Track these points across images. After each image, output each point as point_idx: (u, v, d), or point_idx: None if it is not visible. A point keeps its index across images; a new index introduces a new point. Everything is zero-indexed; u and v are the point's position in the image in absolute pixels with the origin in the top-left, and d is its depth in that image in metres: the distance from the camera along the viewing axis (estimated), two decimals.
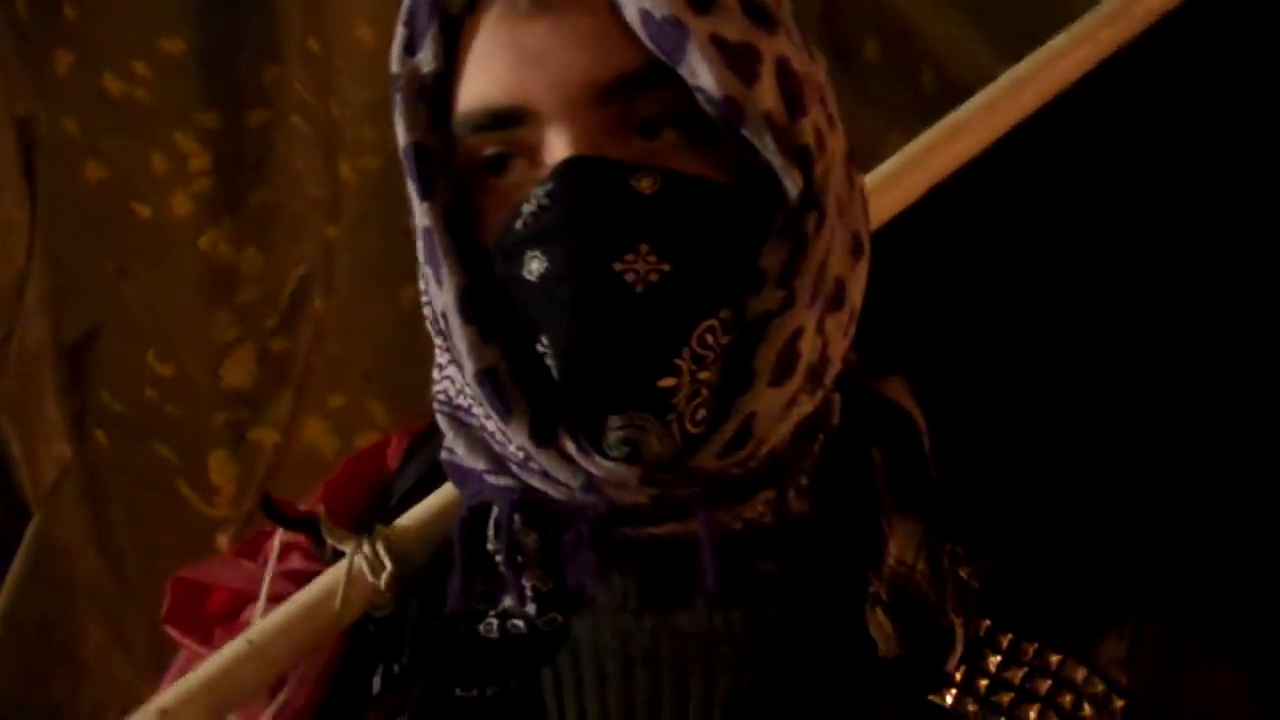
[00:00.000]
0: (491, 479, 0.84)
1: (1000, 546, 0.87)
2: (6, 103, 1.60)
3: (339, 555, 0.91)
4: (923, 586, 0.83)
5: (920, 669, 0.81)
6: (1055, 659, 0.84)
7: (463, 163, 0.82)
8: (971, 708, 0.82)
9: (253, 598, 0.94)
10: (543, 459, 0.80)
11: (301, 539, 0.94)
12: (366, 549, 0.90)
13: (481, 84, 0.80)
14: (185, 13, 1.68)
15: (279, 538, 0.94)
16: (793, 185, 0.79)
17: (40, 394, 1.62)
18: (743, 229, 0.79)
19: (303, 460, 1.68)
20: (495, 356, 0.80)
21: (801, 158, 0.79)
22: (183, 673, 0.99)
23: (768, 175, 0.80)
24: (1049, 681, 0.83)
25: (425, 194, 0.81)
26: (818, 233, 0.80)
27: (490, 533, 0.84)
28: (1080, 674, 0.84)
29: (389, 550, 0.90)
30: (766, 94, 0.78)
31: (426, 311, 0.88)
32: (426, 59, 0.82)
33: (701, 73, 0.77)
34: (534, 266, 0.78)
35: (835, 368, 0.83)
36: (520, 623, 0.83)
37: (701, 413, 0.78)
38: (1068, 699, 0.83)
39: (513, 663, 0.84)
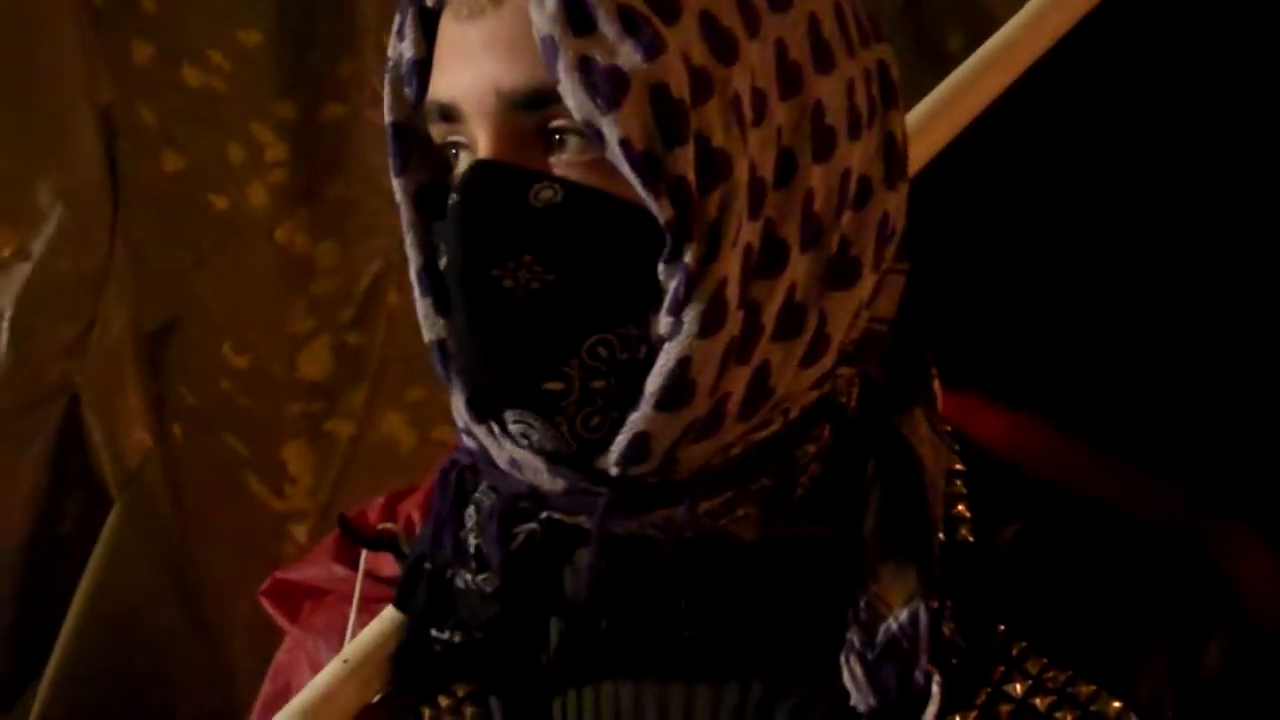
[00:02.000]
0: (463, 438, 0.84)
1: (1031, 543, 0.84)
2: (89, 93, 1.61)
3: None
4: (900, 638, 0.81)
5: None
6: (1087, 690, 0.81)
7: (435, 147, 0.83)
8: None
9: (346, 597, 0.95)
10: (478, 432, 0.81)
11: None
12: None
13: (436, 79, 0.81)
14: (263, 5, 1.66)
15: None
16: (661, 215, 0.77)
17: (122, 383, 1.63)
18: (645, 249, 0.78)
19: (379, 452, 1.69)
20: (444, 330, 0.82)
21: (675, 188, 0.77)
22: (281, 668, 1.01)
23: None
24: (1076, 713, 0.80)
25: (398, 172, 0.83)
26: (707, 265, 0.77)
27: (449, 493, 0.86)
28: (1114, 709, 0.81)
29: None
30: (628, 121, 0.76)
31: None
32: (407, 46, 0.83)
33: (567, 94, 0.76)
34: (443, 261, 0.80)
35: (793, 399, 0.81)
36: (470, 578, 0.84)
37: (595, 420, 0.78)
38: None
39: (472, 616, 0.85)
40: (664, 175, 0.76)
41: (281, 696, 1.01)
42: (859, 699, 0.80)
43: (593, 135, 0.76)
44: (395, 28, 0.84)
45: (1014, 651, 0.82)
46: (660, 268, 0.77)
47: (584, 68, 0.76)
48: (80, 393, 1.62)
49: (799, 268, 0.80)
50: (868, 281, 0.83)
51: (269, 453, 1.67)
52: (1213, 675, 0.82)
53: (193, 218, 1.66)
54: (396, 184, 0.83)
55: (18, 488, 1.60)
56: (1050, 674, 0.81)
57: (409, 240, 0.83)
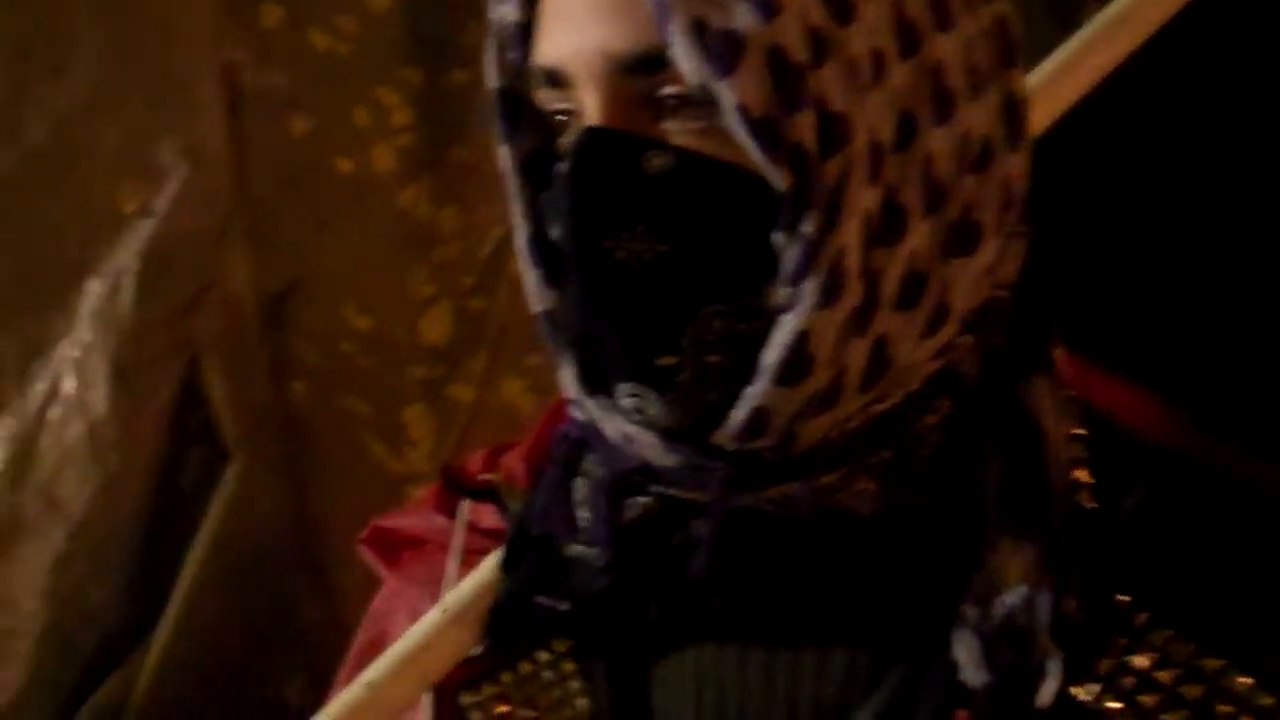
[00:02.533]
0: (574, 411, 0.84)
1: (1154, 496, 0.82)
2: (214, 54, 1.62)
3: None
4: (1018, 614, 0.78)
5: (1009, 700, 0.77)
6: (1214, 664, 0.77)
7: (547, 114, 0.82)
8: (1113, 705, 0.77)
9: (445, 547, 0.96)
10: (589, 405, 0.81)
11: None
12: None
13: (541, 42, 0.80)
14: None
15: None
16: (779, 185, 0.74)
17: (242, 341, 1.65)
18: (762, 219, 0.75)
19: (499, 417, 1.68)
20: (555, 301, 0.81)
21: (794, 156, 0.74)
22: (377, 615, 1.03)
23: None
24: (1203, 688, 0.77)
25: (504, 139, 0.83)
26: (826, 234, 0.75)
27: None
28: (1243, 684, 0.77)
29: None
30: (745, 86, 0.74)
31: None
32: (509, 9, 0.82)
33: (680, 58, 0.74)
34: (554, 231, 0.79)
35: (913, 371, 0.79)
36: (581, 549, 0.84)
37: (711, 395, 0.77)
38: (1226, 710, 0.77)
39: (588, 586, 0.84)
40: (782, 142, 0.74)
41: (376, 644, 1.01)
42: (971, 674, 0.78)
43: (706, 101, 0.74)
44: None
45: (1137, 622, 0.79)
46: (777, 237, 0.75)
47: (698, 30, 0.74)
48: (202, 349, 1.64)
49: (919, 234, 0.78)
50: (990, 247, 0.80)
51: (389, 415, 1.68)
52: None
53: (318, 180, 1.66)
54: (502, 151, 0.83)
55: (140, 441, 1.62)
56: (1176, 646, 0.78)
57: (516, 210, 0.82)
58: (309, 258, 1.67)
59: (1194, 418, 0.91)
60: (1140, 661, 0.78)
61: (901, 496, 0.80)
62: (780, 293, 0.76)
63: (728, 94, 0.74)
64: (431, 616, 0.91)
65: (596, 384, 0.80)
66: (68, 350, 1.61)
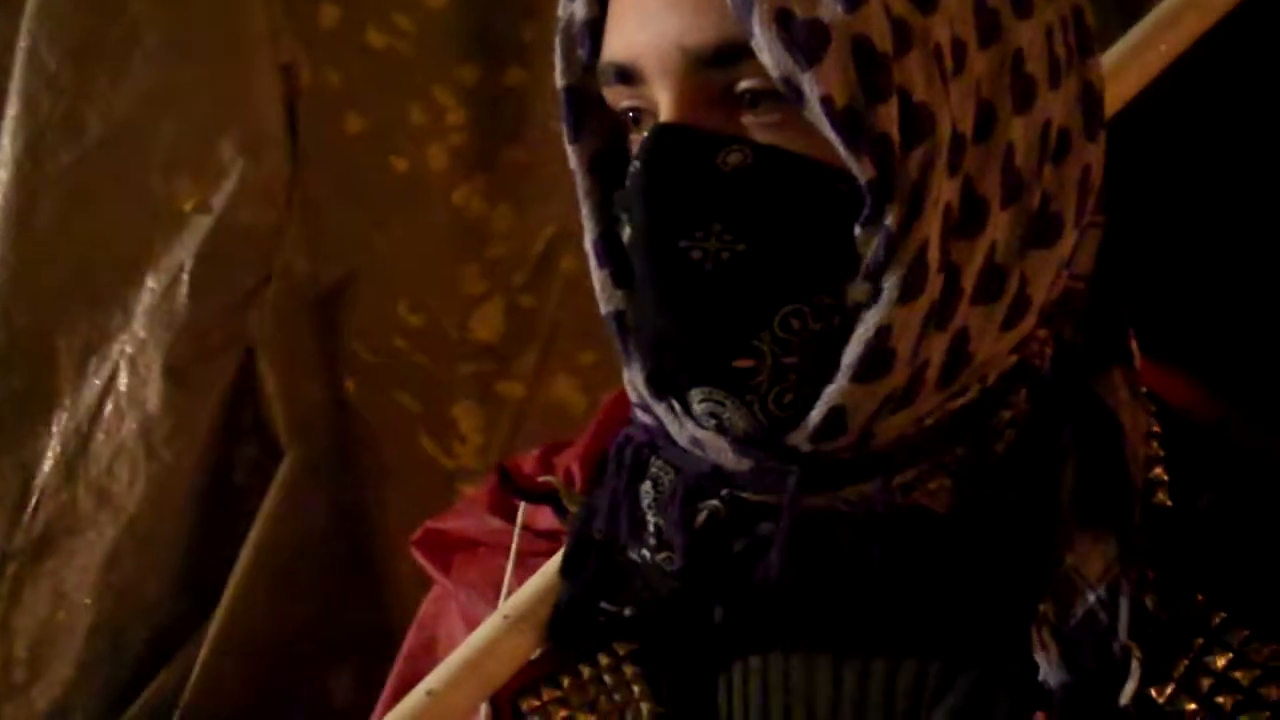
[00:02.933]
0: (639, 414, 0.83)
1: (1226, 502, 0.80)
2: (272, 53, 1.62)
3: None
4: (1099, 611, 0.77)
5: (1090, 700, 0.75)
6: None
7: (613, 112, 0.81)
8: (1189, 706, 0.76)
9: (500, 550, 0.94)
10: (657, 409, 0.79)
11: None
12: None
13: (612, 38, 0.79)
14: None
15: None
16: (862, 175, 0.74)
17: (297, 337, 1.65)
18: (841, 212, 0.75)
19: (550, 414, 1.68)
20: (623, 302, 0.80)
21: (878, 147, 0.73)
22: (427, 620, 1.02)
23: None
24: None
25: (573, 138, 0.82)
26: (908, 226, 0.74)
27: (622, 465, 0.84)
28: None
29: None
30: (829, 77, 0.73)
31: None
32: (580, 6, 0.81)
33: (763, 49, 0.73)
34: (626, 231, 0.78)
35: (991, 365, 0.78)
36: (648, 554, 0.82)
37: (788, 397, 0.75)
38: None
39: (656, 591, 0.83)
40: (866, 133, 0.73)
41: (427, 649, 1.00)
42: (1050, 674, 0.76)
43: (788, 93, 0.73)
44: None
45: (1214, 622, 0.77)
46: (857, 231, 0.74)
47: (782, 20, 0.73)
48: (256, 345, 1.63)
49: (999, 226, 0.77)
50: (1069, 238, 0.79)
51: (440, 411, 1.67)
52: None
53: (372, 178, 1.66)
54: (571, 150, 0.82)
55: (194, 435, 1.62)
56: (1253, 646, 0.77)
57: (585, 210, 0.82)
58: (362, 255, 1.66)
59: (1263, 414, 0.89)
60: (1217, 662, 0.76)
61: (977, 493, 0.78)
62: (859, 288, 0.75)
63: (812, 85, 0.73)
64: (493, 622, 0.89)
65: (665, 387, 0.79)
66: (123, 346, 1.61)
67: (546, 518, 0.93)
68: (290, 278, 1.64)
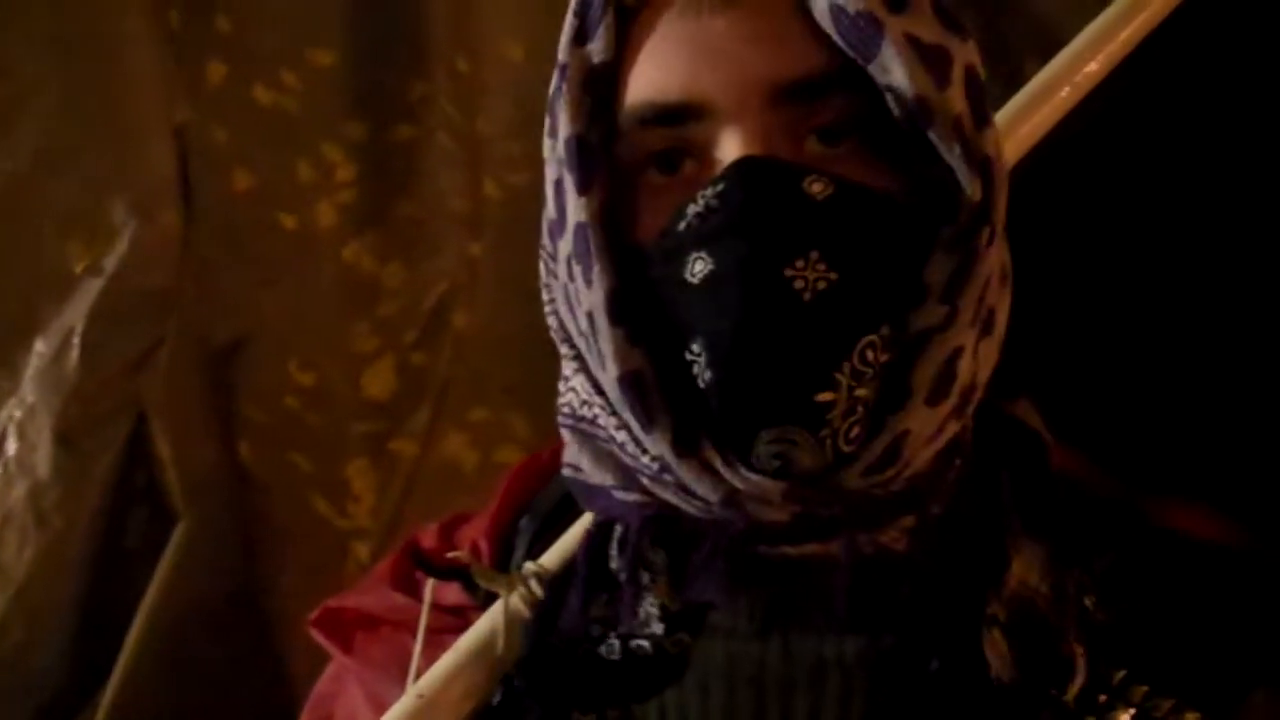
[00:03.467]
0: (619, 494, 0.81)
1: (1128, 566, 0.83)
2: (165, 112, 1.60)
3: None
4: (1044, 610, 0.79)
5: (1038, 697, 0.78)
6: (1192, 717, 0.79)
7: (625, 158, 0.79)
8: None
9: (404, 627, 0.92)
10: (682, 470, 0.76)
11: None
12: (521, 589, 0.87)
13: (654, 77, 0.78)
14: (336, 25, 1.64)
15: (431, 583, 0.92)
16: (973, 195, 0.76)
17: (189, 400, 1.62)
18: (910, 241, 0.76)
19: (442, 472, 1.66)
20: (641, 360, 0.77)
21: (984, 168, 0.76)
22: (323, 698, 0.98)
23: (937, 188, 0.76)
24: None
25: (583, 188, 0.79)
26: (988, 248, 0.77)
27: (614, 550, 0.82)
28: None
29: (542, 585, 0.87)
30: (957, 99, 0.76)
31: (552, 321, 0.85)
32: (598, 49, 0.79)
33: (895, 70, 0.74)
34: (698, 268, 0.75)
35: (980, 395, 0.80)
36: (645, 643, 0.81)
37: (856, 430, 0.75)
38: None
39: (634, 685, 0.81)
40: (976, 155, 0.76)
41: None
42: (1000, 670, 0.78)
43: (851, 128, 0.75)
44: (572, 31, 0.80)
45: (1115, 680, 0.80)
46: (936, 256, 0.76)
47: (913, 44, 0.74)
48: (148, 408, 1.60)
49: (995, 257, 0.80)
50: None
51: (333, 471, 1.65)
52: None
53: (261, 236, 1.64)
54: (578, 203, 0.79)
55: (85, 501, 1.58)
56: (1153, 703, 0.79)
57: (595, 266, 0.78)
58: (253, 314, 1.64)
59: (1142, 477, 0.92)
60: (1121, 718, 0.79)
61: (935, 533, 0.80)
62: (929, 314, 0.76)
63: (944, 107, 0.75)
64: (407, 702, 0.87)
65: (692, 447, 0.76)
66: (11, 411, 1.58)
67: (454, 593, 0.92)
68: (183, 340, 1.61)
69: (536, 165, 1.69)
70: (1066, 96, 1.01)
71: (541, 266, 0.86)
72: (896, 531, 0.78)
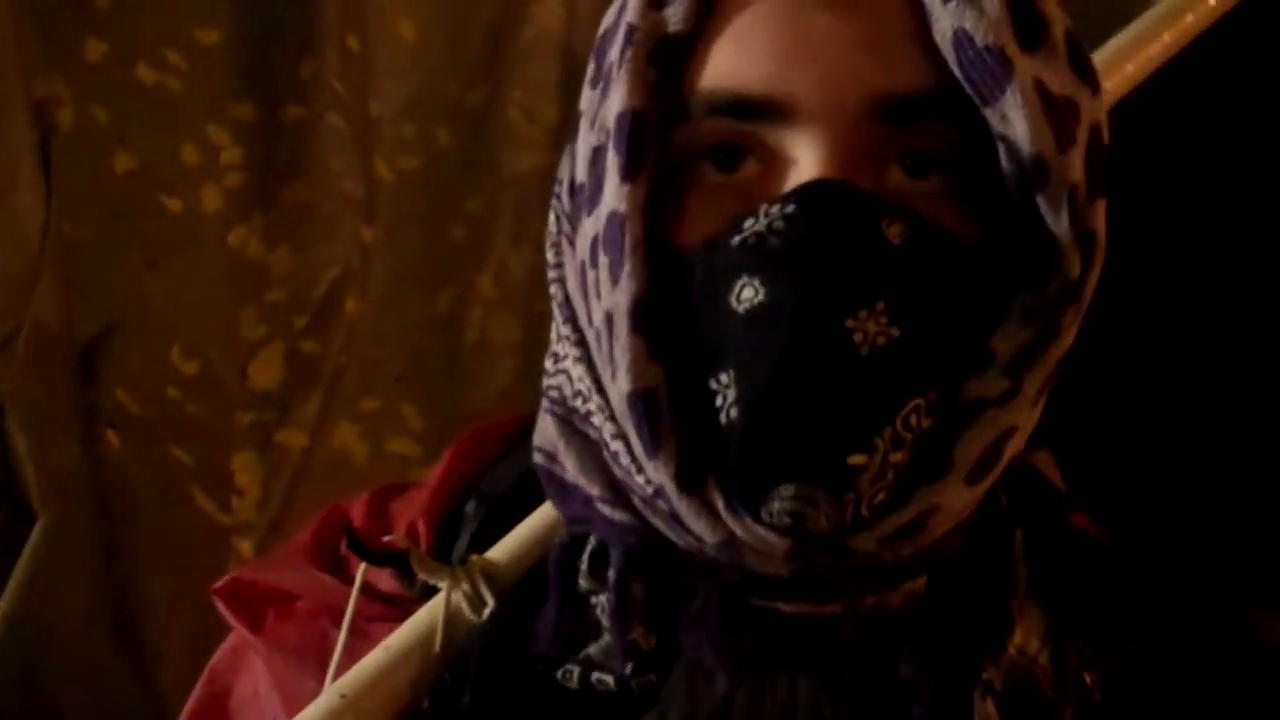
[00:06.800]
0: (605, 509, 0.69)
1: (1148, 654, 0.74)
2: (24, 86, 1.46)
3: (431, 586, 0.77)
4: (1042, 683, 0.70)
5: None
6: None
7: (680, 144, 0.67)
8: None
9: (325, 610, 0.79)
10: (681, 505, 0.66)
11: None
12: (465, 585, 0.75)
13: (737, 63, 0.66)
14: (222, 4, 1.53)
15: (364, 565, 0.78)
16: (1071, 272, 0.65)
17: (50, 391, 1.46)
18: (981, 302, 0.65)
19: (331, 464, 1.52)
20: (658, 378, 0.66)
21: (1085, 243, 0.65)
22: (221, 671, 0.84)
23: (1023, 245, 0.65)
24: None
25: (629, 175, 0.66)
26: (1070, 328, 0.67)
27: (584, 566, 0.71)
28: None
29: (490, 584, 0.75)
30: (1076, 164, 0.65)
31: (555, 291, 0.72)
32: (676, 16, 0.67)
33: (1016, 121, 0.63)
34: (746, 295, 0.64)
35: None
36: (609, 679, 0.70)
37: (881, 497, 0.64)
38: None
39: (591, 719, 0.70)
40: (1085, 225, 0.65)
41: (219, 701, 0.82)
42: None
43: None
44: None
45: None
46: (1009, 323, 0.65)
47: (1042, 94, 0.64)
48: (4, 400, 1.45)
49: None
50: None
51: (217, 464, 1.51)
52: None
53: (143, 220, 1.50)
54: (619, 190, 0.67)
55: None
56: None
57: (627, 263, 0.66)
58: (130, 300, 1.50)
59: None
60: None
61: (937, 590, 0.71)
62: (992, 384, 0.65)
63: (1061, 170, 0.64)
64: (328, 701, 0.74)
65: (695, 482, 0.66)
66: None
67: (385, 579, 0.78)
68: (43, 328, 1.46)
69: (431, 148, 1.58)
70: None
71: (551, 217, 0.74)
72: (904, 595, 0.69)
